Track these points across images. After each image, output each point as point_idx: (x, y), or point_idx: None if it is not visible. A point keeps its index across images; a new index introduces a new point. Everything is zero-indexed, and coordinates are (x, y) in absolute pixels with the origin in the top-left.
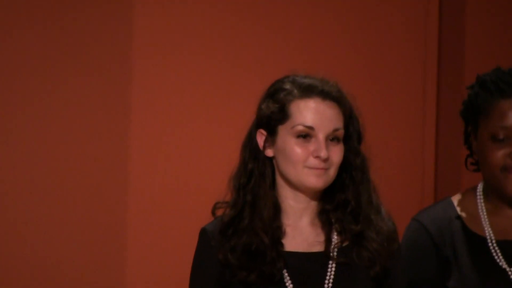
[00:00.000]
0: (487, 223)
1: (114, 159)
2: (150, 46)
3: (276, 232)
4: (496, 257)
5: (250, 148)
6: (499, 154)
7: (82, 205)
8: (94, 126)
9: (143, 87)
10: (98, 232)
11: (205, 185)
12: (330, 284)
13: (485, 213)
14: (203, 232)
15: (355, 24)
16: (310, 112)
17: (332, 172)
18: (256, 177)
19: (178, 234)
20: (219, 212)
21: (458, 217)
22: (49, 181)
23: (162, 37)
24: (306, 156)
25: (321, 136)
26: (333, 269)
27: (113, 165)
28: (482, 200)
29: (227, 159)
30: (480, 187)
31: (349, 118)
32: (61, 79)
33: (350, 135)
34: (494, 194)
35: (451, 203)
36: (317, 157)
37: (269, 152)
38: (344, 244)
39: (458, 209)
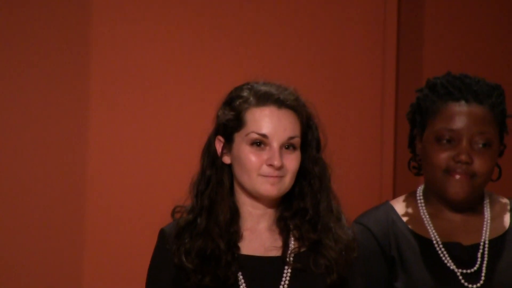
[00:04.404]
0: (431, 225)
1: (72, 161)
2: (108, 44)
3: (233, 236)
4: (444, 259)
5: (208, 155)
6: (443, 156)
7: (40, 206)
8: (53, 121)
9: (101, 90)
10: (56, 233)
11: (167, 186)
12: None
13: (427, 216)
14: (161, 234)
15: (314, 28)
16: (264, 120)
17: (288, 180)
18: (214, 183)
19: (137, 235)
20: (178, 216)
21: (400, 219)
22: (6, 184)
23: (120, 39)
24: (260, 164)
25: (275, 144)
26: (289, 274)
27: (72, 167)
28: (423, 203)
29: (189, 161)
30: (419, 191)
31: (307, 126)
32: (18, 81)
33: (308, 143)
34: (435, 197)
35: (391, 207)
36: (271, 165)
37: (227, 159)
38: (302, 250)
39: (399, 212)
